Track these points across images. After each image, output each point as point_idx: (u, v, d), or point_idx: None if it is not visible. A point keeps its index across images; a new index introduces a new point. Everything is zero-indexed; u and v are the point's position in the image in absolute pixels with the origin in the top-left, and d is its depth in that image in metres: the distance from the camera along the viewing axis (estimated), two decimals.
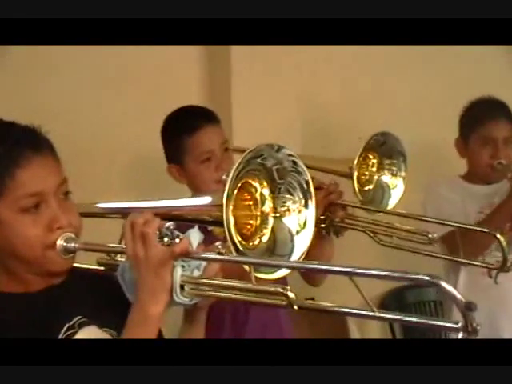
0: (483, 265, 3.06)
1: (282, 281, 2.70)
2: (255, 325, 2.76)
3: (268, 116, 3.08)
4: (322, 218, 2.71)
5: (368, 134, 3.23)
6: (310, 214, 1.81)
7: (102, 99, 3.68)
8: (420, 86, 4.21)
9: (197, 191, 2.73)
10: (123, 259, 1.80)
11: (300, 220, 1.81)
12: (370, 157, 2.84)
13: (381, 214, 2.84)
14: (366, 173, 2.84)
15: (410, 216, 2.91)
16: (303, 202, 1.81)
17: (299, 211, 1.82)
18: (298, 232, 1.81)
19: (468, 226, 3.06)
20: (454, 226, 3.05)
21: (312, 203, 1.83)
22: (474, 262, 3.08)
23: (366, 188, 2.84)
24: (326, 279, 2.90)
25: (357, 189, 2.76)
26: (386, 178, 2.85)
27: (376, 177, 2.86)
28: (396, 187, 2.84)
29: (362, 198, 2.78)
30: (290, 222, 1.80)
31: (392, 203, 2.86)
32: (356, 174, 2.75)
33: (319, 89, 3.96)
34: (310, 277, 2.90)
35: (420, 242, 2.80)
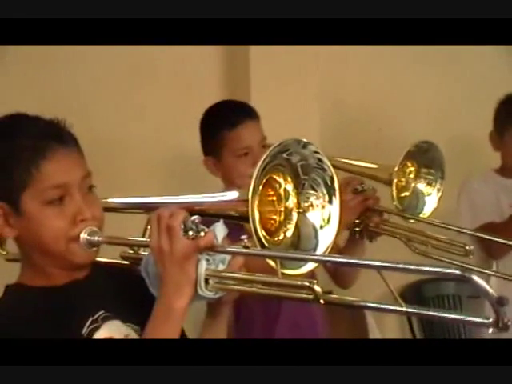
0: None
1: (312, 277, 2.75)
2: (286, 322, 2.76)
3: (286, 115, 3.08)
4: (357, 221, 2.73)
5: (385, 131, 3.25)
6: (334, 209, 1.80)
7: (123, 97, 3.69)
8: (437, 85, 4.19)
9: (230, 185, 2.73)
10: (146, 253, 1.79)
11: (324, 215, 1.80)
12: (409, 164, 2.83)
13: (414, 221, 2.82)
14: (403, 179, 2.83)
15: (443, 226, 2.87)
16: (327, 197, 1.80)
17: (323, 207, 1.80)
18: (321, 227, 1.80)
19: (501, 240, 2.98)
20: (485, 237, 3.05)
21: (336, 199, 1.80)
22: None
23: (403, 195, 2.83)
24: (356, 280, 2.90)
25: (395, 195, 2.76)
26: (422, 186, 2.85)
27: (413, 184, 2.85)
28: (430, 195, 2.83)
29: (399, 205, 2.77)
30: (314, 217, 1.80)
31: (426, 211, 2.85)
32: (395, 180, 2.75)
33: (338, 88, 3.96)
34: (340, 278, 2.92)
35: (455, 253, 2.77)
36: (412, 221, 2.85)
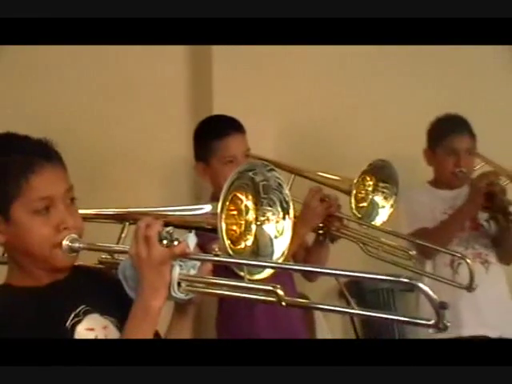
0: (452, 252, 3.35)
1: (290, 280, 2.87)
2: (264, 315, 2.92)
3: (246, 121, 3.21)
4: (321, 225, 2.94)
5: (340, 148, 3.42)
6: (287, 224, 1.90)
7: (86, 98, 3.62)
8: (382, 108, 4.27)
9: (217, 187, 2.88)
10: (123, 258, 1.88)
11: (278, 228, 1.91)
12: (368, 178, 3.05)
13: (369, 228, 3.06)
14: (363, 191, 3.05)
15: (392, 233, 3.14)
16: (281, 214, 1.90)
17: (277, 221, 1.90)
18: (276, 237, 1.91)
19: (440, 249, 3.32)
20: (426, 245, 3.30)
21: (289, 217, 1.91)
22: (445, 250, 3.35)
23: (361, 205, 3.04)
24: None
25: (353, 205, 2.98)
26: (379, 198, 3.06)
27: (371, 196, 3.07)
28: (384, 208, 3.05)
29: (357, 213, 3.00)
30: (270, 229, 1.91)
31: (380, 221, 3.07)
32: (354, 192, 2.97)
33: (293, 105, 4.00)
34: (306, 274, 3.02)
35: (401, 257, 3.04)
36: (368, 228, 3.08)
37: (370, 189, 3.07)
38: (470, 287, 3.11)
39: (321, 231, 2.97)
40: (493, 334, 3.50)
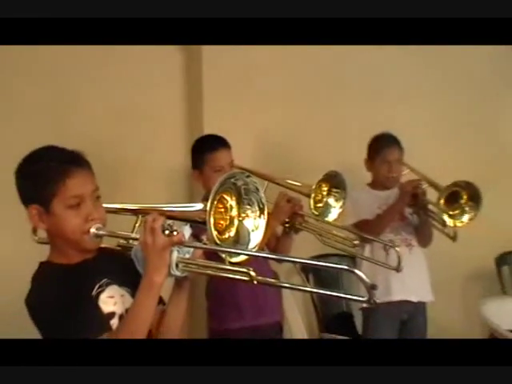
0: (384, 242, 3.41)
1: (266, 261, 2.83)
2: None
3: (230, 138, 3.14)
4: (287, 220, 2.98)
5: (303, 159, 3.44)
6: (262, 221, 1.88)
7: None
8: (332, 125, 4.25)
9: (208, 190, 2.85)
10: (136, 243, 1.87)
11: (255, 224, 1.88)
12: (323, 185, 3.07)
13: (324, 223, 3.10)
14: (320, 195, 3.08)
15: (341, 227, 3.20)
16: (258, 213, 1.88)
17: (255, 218, 1.88)
18: (253, 231, 1.89)
19: (375, 239, 3.41)
20: (368, 238, 3.39)
21: (264, 215, 1.89)
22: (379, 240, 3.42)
23: (318, 205, 3.08)
24: None
25: (312, 205, 3.03)
26: (331, 200, 3.10)
27: (326, 199, 3.11)
28: (335, 208, 3.10)
29: (315, 211, 3.04)
30: (249, 224, 1.89)
31: (332, 218, 3.12)
32: (313, 195, 3.01)
33: (266, 123, 3.96)
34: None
35: (348, 245, 3.11)
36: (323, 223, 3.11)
37: (325, 193, 3.11)
38: (397, 268, 3.21)
39: (287, 225, 3.01)
40: (414, 299, 3.57)
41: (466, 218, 3.50)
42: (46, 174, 1.88)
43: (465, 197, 3.50)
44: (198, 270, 1.88)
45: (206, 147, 3.06)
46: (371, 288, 1.61)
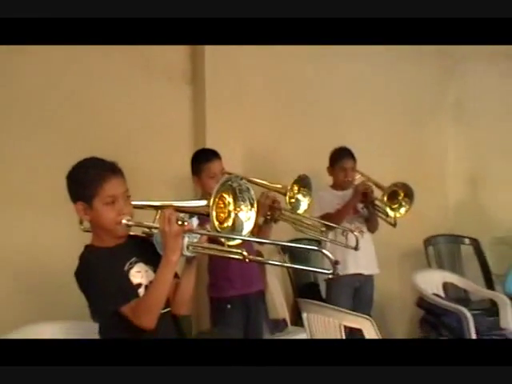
0: (346, 228, 3.38)
1: (251, 244, 2.69)
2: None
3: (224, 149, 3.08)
4: (268, 213, 2.90)
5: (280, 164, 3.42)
6: (252, 214, 1.86)
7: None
8: (303, 135, 4.15)
9: (204, 191, 2.87)
10: (156, 231, 1.87)
11: (247, 216, 1.85)
12: (295, 186, 3.02)
13: (297, 215, 3.04)
14: (292, 193, 3.01)
15: (309, 218, 3.16)
16: (249, 207, 1.86)
17: (247, 211, 1.86)
18: (245, 221, 1.87)
19: (337, 226, 3.35)
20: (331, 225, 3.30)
21: (254, 209, 1.86)
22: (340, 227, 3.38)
23: (291, 201, 3.02)
24: None
25: (287, 200, 2.97)
26: (301, 196, 3.04)
27: (297, 196, 3.04)
28: (304, 202, 3.04)
29: (289, 206, 2.98)
30: (242, 216, 1.87)
31: (302, 210, 3.06)
32: (288, 194, 2.96)
33: (255, 135, 3.87)
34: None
35: (317, 232, 3.10)
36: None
37: (296, 191, 3.06)
38: (356, 248, 3.22)
39: (268, 216, 2.94)
40: (365, 272, 3.57)
41: (403, 210, 3.49)
42: (89, 178, 1.88)
43: (402, 194, 3.49)
44: (204, 251, 1.88)
45: (202, 158, 2.99)
46: (335, 263, 1.62)
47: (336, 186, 3.65)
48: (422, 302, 3.96)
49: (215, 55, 3.58)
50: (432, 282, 4.04)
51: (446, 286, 4.18)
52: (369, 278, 3.62)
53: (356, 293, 3.58)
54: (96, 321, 1.93)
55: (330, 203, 3.53)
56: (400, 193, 3.50)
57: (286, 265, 2.04)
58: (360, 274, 3.55)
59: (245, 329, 2.96)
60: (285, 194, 2.98)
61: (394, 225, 3.54)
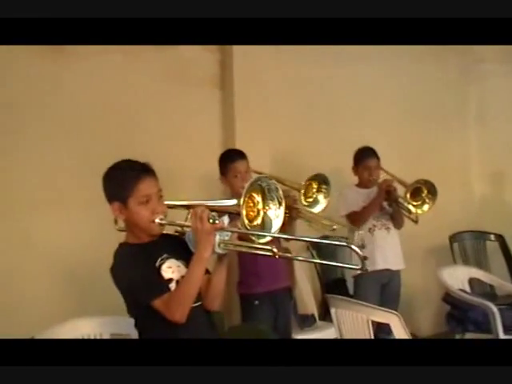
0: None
1: (278, 241, 2.61)
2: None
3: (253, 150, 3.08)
4: (287, 211, 2.74)
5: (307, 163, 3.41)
6: (281, 212, 1.85)
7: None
8: (327, 138, 4.11)
9: (232, 190, 2.87)
10: (188, 230, 1.88)
11: (276, 214, 1.84)
12: (313, 183, 2.98)
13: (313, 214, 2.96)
14: (309, 191, 2.98)
15: (327, 218, 3.01)
16: (278, 205, 1.85)
17: (275, 210, 1.85)
18: (274, 219, 1.86)
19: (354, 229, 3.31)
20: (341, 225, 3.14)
21: (282, 207, 1.86)
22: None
23: (309, 199, 2.98)
24: None
25: (303, 199, 2.94)
26: (321, 197, 3.00)
27: (315, 195, 3.01)
28: (322, 202, 3.00)
29: (306, 204, 2.94)
30: (271, 214, 1.85)
31: (318, 210, 3.00)
32: (303, 191, 2.93)
33: (282, 141, 3.86)
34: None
35: (329, 230, 2.94)
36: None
37: (315, 190, 3.01)
38: (362, 246, 3.00)
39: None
40: (393, 267, 3.53)
41: (426, 207, 3.46)
42: (124, 179, 1.90)
43: (425, 191, 3.45)
44: (235, 248, 1.89)
45: (227, 158, 2.99)
46: (364, 259, 1.60)
47: (361, 184, 3.62)
48: (448, 298, 3.91)
49: (243, 61, 3.61)
50: (458, 277, 3.99)
51: (472, 282, 4.12)
52: (396, 274, 3.59)
53: (383, 289, 3.55)
54: (131, 316, 1.95)
55: (356, 201, 3.51)
56: (423, 190, 3.46)
57: (315, 261, 2.01)
58: (388, 270, 3.52)
59: (274, 324, 2.95)
60: (299, 191, 2.94)
61: (416, 221, 3.51)
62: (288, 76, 3.96)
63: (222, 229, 1.81)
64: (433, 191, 3.43)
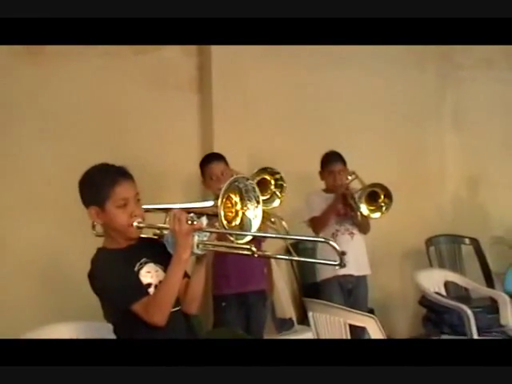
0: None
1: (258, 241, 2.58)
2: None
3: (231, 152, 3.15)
4: None
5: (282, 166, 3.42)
6: (259, 212, 1.85)
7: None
8: (300, 142, 4.13)
9: (213, 192, 2.87)
10: (167, 232, 1.88)
11: (254, 214, 1.83)
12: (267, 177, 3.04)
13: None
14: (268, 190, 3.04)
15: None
16: (256, 205, 1.84)
17: (253, 210, 1.84)
18: (253, 219, 1.84)
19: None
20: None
21: (260, 207, 1.85)
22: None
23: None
24: None
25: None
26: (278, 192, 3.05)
27: (275, 190, 3.06)
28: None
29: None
30: (249, 214, 1.84)
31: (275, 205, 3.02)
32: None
33: (260, 140, 3.88)
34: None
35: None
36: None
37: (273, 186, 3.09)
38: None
39: None
40: (355, 273, 3.48)
41: (377, 215, 3.42)
42: (101, 183, 1.88)
43: (382, 197, 3.41)
44: (214, 248, 1.88)
45: (204, 161, 3.06)
46: (342, 254, 1.62)
47: (327, 189, 3.59)
48: (425, 301, 3.96)
49: (221, 65, 3.62)
50: (434, 280, 4.03)
51: (448, 285, 4.17)
52: (361, 279, 3.55)
53: (350, 294, 3.52)
54: (109, 321, 1.93)
55: (320, 206, 3.48)
56: (380, 195, 3.42)
57: (293, 258, 1.99)
58: (351, 276, 3.48)
59: (246, 328, 2.94)
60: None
61: (359, 225, 3.49)
62: (268, 79, 3.98)
63: (200, 229, 1.80)
64: (388, 199, 3.38)
